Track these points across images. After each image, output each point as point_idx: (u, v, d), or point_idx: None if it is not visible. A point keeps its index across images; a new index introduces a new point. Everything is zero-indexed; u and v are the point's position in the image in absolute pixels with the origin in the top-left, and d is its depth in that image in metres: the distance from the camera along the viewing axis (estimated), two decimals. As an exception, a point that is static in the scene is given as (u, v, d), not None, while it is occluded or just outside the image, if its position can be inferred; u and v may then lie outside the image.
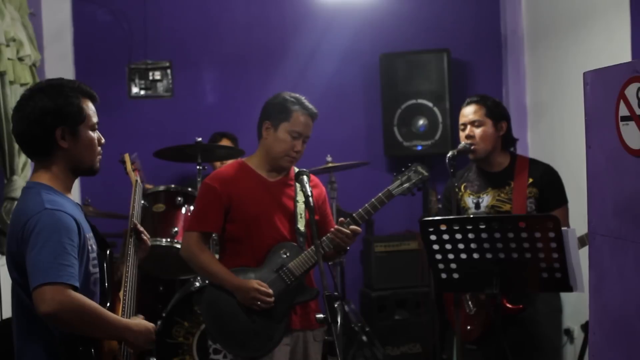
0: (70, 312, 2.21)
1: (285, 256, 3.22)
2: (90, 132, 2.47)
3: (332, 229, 3.22)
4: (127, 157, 3.03)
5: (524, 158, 3.77)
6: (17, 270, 2.34)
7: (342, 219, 3.21)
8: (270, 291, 3.16)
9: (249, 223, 3.23)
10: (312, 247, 3.19)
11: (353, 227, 3.20)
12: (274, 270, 3.21)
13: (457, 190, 3.65)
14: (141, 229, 2.73)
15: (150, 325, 2.49)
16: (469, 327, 3.59)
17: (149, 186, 4.59)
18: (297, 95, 3.32)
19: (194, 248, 3.25)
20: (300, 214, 3.29)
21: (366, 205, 3.27)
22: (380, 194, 3.28)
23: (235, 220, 3.25)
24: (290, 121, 3.25)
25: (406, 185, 3.33)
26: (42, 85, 2.46)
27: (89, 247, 2.40)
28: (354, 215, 3.25)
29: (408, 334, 5.11)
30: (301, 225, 3.29)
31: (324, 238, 3.22)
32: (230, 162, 3.44)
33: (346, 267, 4.88)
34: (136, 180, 2.89)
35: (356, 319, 4.78)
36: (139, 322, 2.46)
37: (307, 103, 3.31)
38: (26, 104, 2.41)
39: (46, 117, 2.38)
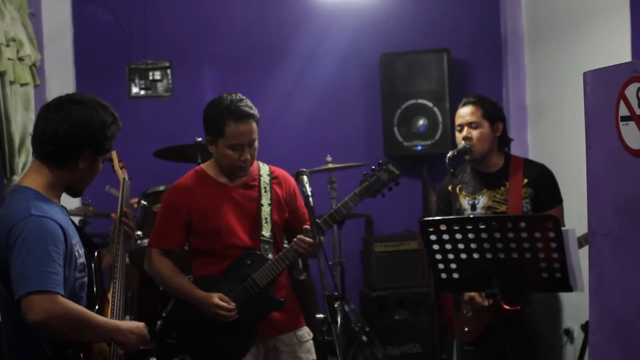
0: (58, 319, 2.22)
1: (249, 266, 3.16)
2: (100, 165, 2.50)
3: (295, 239, 3.12)
4: (114, 154, 3.03)
5: (518, 158, 3.77)
6: (1, 275, 2.31)
7: (305, 226, 3.10)
8: (232, 305, 3.09)
9: (212, 235, 3.14)
10: (278, 255, 3.15)
11: (309, 239, 3.08)
12: (238, 281, 3.15)
13: (452, 191, 3.64)
14: (126, 223, 2.73)
15: (140, 323, 2.48)
16: (466, 329, 3.59)
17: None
18: (230, 98, 3.10)
19: (156, 264, 3.16)
20: (265, 219, 3.20)
21: (331, 211, 3.20)
22: (346, 199, 3.20)
23: (199, 233, 3.16)
24: (226, 136, 3.08)
25: (374, 187, 3.22)
26: (99, 102, 2.44)
27: (76, 253, 2.39)
28: (318, 221, 3.12)
29: (408, 334, 5.10)
30: (266, 232, 3.20)
31: (288, 248, 3.15)
32: (189, 172, 3.31)
33: (346, 267, 4.88)
34: (124, 178, 2.90)
35: (356, 319, 4.78)
36: (128, 322, 2.45)
37: (240, 108, 3.08)
38: (77, 111, 2.37)
39: (88, 134, 2.37)
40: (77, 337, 2.31)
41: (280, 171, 3.33)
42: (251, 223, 3.20)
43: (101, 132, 2.41)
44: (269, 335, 3.20)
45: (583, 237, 3.26)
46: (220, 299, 3.09)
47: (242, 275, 3.16)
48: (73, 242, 2.39)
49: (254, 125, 3.13)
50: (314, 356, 3.29)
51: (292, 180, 3.31)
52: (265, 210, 3.21)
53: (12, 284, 2.24)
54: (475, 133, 3.65)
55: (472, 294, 3.52)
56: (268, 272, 3.15)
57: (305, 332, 3.29)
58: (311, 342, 3.30)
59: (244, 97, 3.16)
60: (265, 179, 3.26)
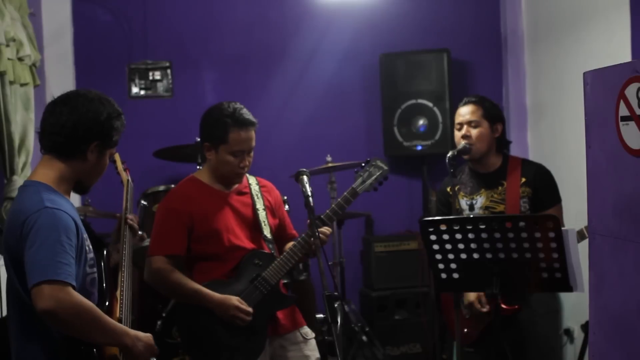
0: (68, 310, 2.20)
1: (258, 265, 3.19)
2: (107, 159, 2.53)
3: (306, 233, 3.17)
4: (117, 156, 3.06)
5: (515, 158, 3.78)
6: (14, 267, 2.33)
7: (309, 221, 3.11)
8: (250, 309, 3.12)
9: (214, 238, 3.16)
10: (284, 253, 3.20)
11: (326, 228, 3.18)
12: (249, 280, 3.17)
13: (451, 192, 3.64)
14: (130, 219, 2.75)
15: (149, 335, 2.46)
16: (466, 330, 3.59)
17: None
18: (232, 106, 3.19)
19: (163, 271, 3.13)
20: (264, 222, 3.26)
21: (333, 205, 3.28)
22: (345, 193, 3.29)
23: (200, 238, 3.17)
24: (229, 143, 3.15)
25: (368, 181, 3.32)
26: (104, 97, 2.50)
27: (87, 248, 2.40)
28: (321, 216, 3.21)
29: (408, 334, 5.10)
30: (267, 233, 3.26)
31: (295, 243, 3.20)
32: (181, 181, 3.36)
33: (346, 267, 4.88)
34: (127, 180, 2.92)
35: (356, 319, 4.78)
36: (137, 331, 2.43)
37: (243, 115, 3.17)
38: (84, 103, 2.43)
39: (96, 125, 2.43)
40: (84, 333, 2.29)
41: (266, 181, 3.41)
42: (251, 227, 3.25)
43: (108, 124, 2.46)
44: (276, 334, 3.22)
45: (579, 233, 3.26)
46: (238, 301, 3.11)
47: (251, 275, 3.18)
48: (84, 236, 2.40)
49: (254, 132, 3.22)
50: (318, 354, 3.31)
51: (277, 191, 3.42)
52: (262, 214, 3.27)
53: (26, 274, 2.24)
54: (474, 132, 3.66)
55: (471, 299, 3.52)
56: (278, 269, 3.18)
57: (308, 330, 3.33)
58: (314, 340, 3.33)
59: (242, 105, 3.24)
60: (254, 187, 3.33)
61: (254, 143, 3.22)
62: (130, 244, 2.72)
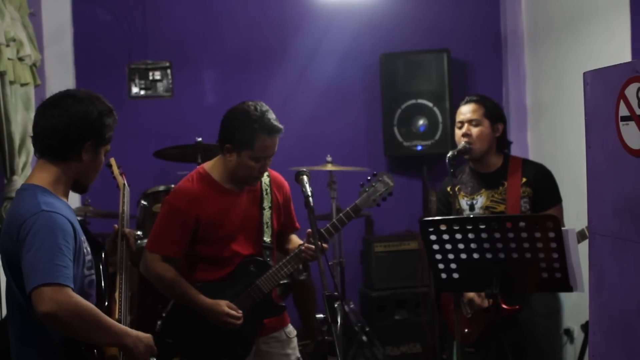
0: (69, 311, 2.20)
1: (253, 273, 3.16)
2: (102, 156, 2.51)
3: (302, 247, 3.15)
4: (113, 161, 3.06)
5: (516, 158, 3.78)
6: (11, 270, 2.33)
7: (309, 230, 3.04)
8: (240, 314, 3.09)
9: (219, 243, 3.12)
10: (282, 262, 3.18)
11: (322, 245, 3.08)
12: (242, 287, 3.15)
13: (451, 192, 3.64)
14: (128, 232, 2.74)
15: (149, 335, 2.46)
16: (466, 330, 3.59)
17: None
18: (260, 109, 3.07)
19: (158, 269, 3.09)
20: (267, 223, 3.20)
21: (334, 220, 3.24)
22: (347, 209, 3.24)
23: (204, 240, 3.11)
24: (254, 149, 3.04)
25: (372, 197, 3.27)
26: (93, 95, 2.47)
27: (84, 250, 2.40)
28: (321, 230, 3.17)
29: (408, 334, 5.11)
30: (267, 237, 3.20)
31: (292, 255, 3.18)
32: (191, 173, 3.23)
33: (346, 267, 4.88)
34: (124, 184, 2.92)
35: (356, 319, 4.78)
36: (138, 331, 2.43)
37: (271, 121, 3.06)
38: (74, 104, 2.40)
39: (88, 125, 2.40)
40: (85, 335, 2.29)
41: (276, 174, 3.33)
42: (254, 229, 3.20)
43: (99, 122, 2.43)
44: (262, 335, 3.22)
45: (579, 233, 3.26)
46: (228, 307, 3.09)
47: (246, 282, 3.16)
48: (82, 238, 2.40)
49: (277, 141, 3.13)
50: (298, 353, 3.32)
51: (286, 184, 3.34)
52: (267, 214, 3.21)
53: (24, 278, 2.23)
54: (475, 131, 3.66)
55: (471, 295, 3.52)
56: (272, 279, 3.16)
57: (292, 329, 3.32)
58: (296, 339, 3.33)
59: (268, 107, 3.13)
60: (265, 180, 3.25)
61: (276, 148, 3.12)
62: (128, 253, 2.72)
